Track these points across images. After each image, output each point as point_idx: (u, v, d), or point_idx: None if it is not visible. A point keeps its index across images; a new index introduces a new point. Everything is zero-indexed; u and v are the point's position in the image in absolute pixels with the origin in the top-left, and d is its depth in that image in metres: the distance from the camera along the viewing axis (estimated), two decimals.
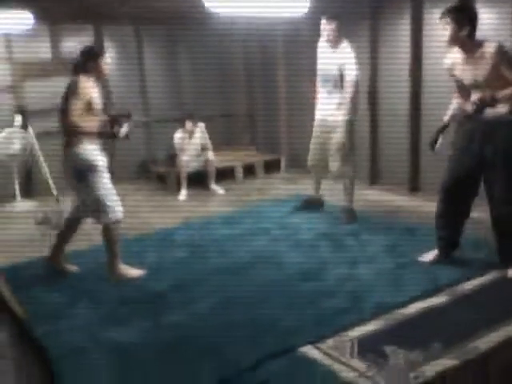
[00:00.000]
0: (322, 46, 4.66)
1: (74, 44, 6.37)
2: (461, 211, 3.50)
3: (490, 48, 3.13)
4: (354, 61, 4.46)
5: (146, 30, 6.90)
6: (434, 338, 2.62)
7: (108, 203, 3.48)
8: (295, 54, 6.65)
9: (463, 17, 3.17)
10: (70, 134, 3.45)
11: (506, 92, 3.08)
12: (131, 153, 6.79)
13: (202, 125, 6.25)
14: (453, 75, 3.42)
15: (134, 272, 3.65)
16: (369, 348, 2.57)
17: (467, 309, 3.00)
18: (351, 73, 4.43)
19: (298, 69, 6.59)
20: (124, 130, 3.62)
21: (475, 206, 3.51)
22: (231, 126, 7.74)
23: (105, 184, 3.51)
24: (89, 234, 4.07)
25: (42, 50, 6.29)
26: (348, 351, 2.55)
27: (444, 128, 3.52)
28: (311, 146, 4.88)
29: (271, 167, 6.99)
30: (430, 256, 3.65)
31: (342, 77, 4.46)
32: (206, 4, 5.16)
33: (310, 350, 2.59)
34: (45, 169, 5.89)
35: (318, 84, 4.72)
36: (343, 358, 2.50)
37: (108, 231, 3.56)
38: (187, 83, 7.23)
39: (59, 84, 6.07)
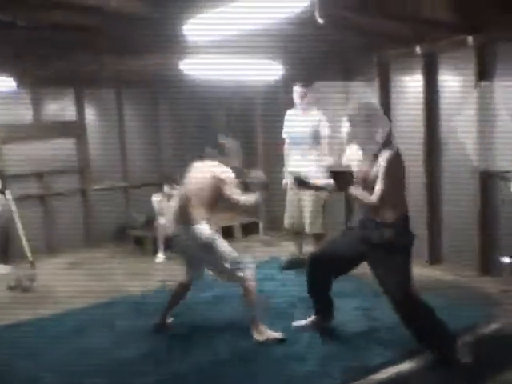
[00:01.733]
0: (291, 113, 4.93)
1: (55, 107, 6.55)
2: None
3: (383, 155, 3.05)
4: (326, 122, 4.73)
5: (127, 92, 7.04)
6: None
7: (239, 261, 3.52)
8: (273, 117, 6.84)
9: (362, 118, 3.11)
10: (190, 212, 3.51)
11: (363, 195, 3.06)
12: (111, 217, 6.83)
13: (179, 187, 6.29)
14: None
15: (276, 334, 3.53)
16: None
17: (437, 372, 2.95)
18: (325, 130, 4.72)
19: (276, 131, 6.77)
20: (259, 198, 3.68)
21: None
22: None
23: (227, 247, 3.55)
24: None
25: (23, 114, 6.34)
26: None
27: None
28: (287, 208, 4.95)
29: (249, 230, 7.00)
30: (303, 322, 3.66)
31: (315, 138, 4.70)
32: (182, 67, 5.37)
33: None
34: (22, 233, 5.84)
35: (289, 147, 4.92)
36: None
37: (247, 290, 3.52)
38: (167, 146, 7.34)
39: (39, 147, 6.28)
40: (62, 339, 3.67)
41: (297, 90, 4.82)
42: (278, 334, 3.51)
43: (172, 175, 6.51)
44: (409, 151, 5.39)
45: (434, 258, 5.35)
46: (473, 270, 4.95)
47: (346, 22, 4.19)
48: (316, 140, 4.74)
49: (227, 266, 3.52)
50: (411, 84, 5.42)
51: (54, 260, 6.16)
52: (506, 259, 4.52)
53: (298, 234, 5.05)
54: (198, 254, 3.63)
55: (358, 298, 4.21)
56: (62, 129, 6.61)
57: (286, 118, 5.03)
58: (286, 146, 5.07)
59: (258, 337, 3.47)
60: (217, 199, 3.58)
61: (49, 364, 3.28)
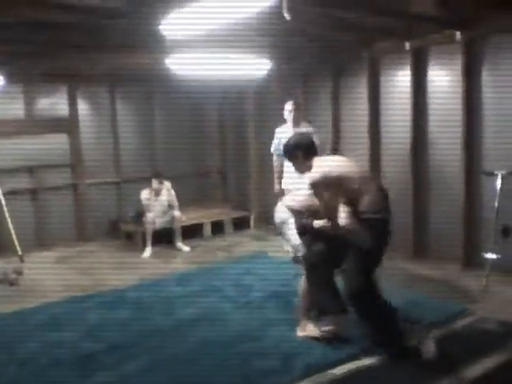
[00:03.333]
0: (282, 130, 5.16)
1: (47, 103, 6.59)
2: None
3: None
4: (315, 132, 4.92)
5: (119, 89, 7.06)
6: None
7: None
8: (264, 111, 6.86)
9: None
10: None
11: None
12: (102, 213, 6.88)
13: (167, 183, 6.33)
14: None
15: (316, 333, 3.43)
16: None
17: (402, 366, 2.95)
18: (317, 139, 4.77)
19: (267, 126, 6.79)
20: None
21: None
22: (203, 184, 7.82)
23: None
24: None
25: (15, 109, 6.35)
26: None
27: None
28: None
29: (240, 224, 7.01)
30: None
31: None
32: (170, 67, 5.39)
33: None
34: (11, 227, 5.90)
35: (279, 161, 5.20)
36: None
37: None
38: (160, 141, 7.36)
39: (30, 142, 6.33)
40: (36, 332, 3.70)
41: (288, 106, 5.09)
42: (317, 333, 3.38)
43: (161, 171, 6.54)
44: (396, 146, 5.48)
45: (419, 253, 5.34)
46: (456, 264, 4.94)
47: (314, 17, 4.17)
48: None
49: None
50: (400, 79, 5.39)
51: (43, 254, 6.22)
52: (489, 255, 4.49)
53: None
54: None
55: None
56: (54, 124, 6.66)
57: (276, 135, 5.26)
58: (275, 158, 5.33)
59: (299, 332, 3.43)
60: None
61: (19, 356, 3.31)
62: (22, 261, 5.80)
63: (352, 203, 3.10)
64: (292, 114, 5.06)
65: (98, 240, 6.74)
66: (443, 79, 5.08)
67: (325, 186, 3.10)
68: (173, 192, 6.32)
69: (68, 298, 4.43)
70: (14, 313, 4.08)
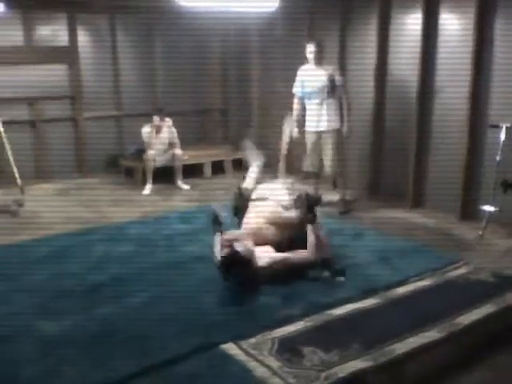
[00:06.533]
0: (304, 68, 5.20)
1: (47, 32, 6.41)
2: None
3: None
4: (338, 71, 5.18)
5: (121, 19, 6.88)
6: (355, 340, 2.67)
7: None
8: (270, 49, 6.72)
9: None
10: None
11: None
12: (102, 147, 6.84)
13: (169, 120, 6.27)
14: None
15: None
16: (288, 347, 2.61)
17: (394, 312, 3.04)
18: (340, 79, 5.12)
19: (271, 63, 6.70)
20: None
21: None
22: (204, 122, 7.76)
23: None
24: None
25: (14, 36, 6.19)
26: (267, 350, 2.59)
27: None
28: (308, 157, 5.34)
29: (241, 165, 7.00)
30: None
31: (332, 88, 5.05)
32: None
33: (230, 347, 2.63)
34: (11, 158, 5.87)
35: (304, 101, 5.25)
36: (260, 356, 2.54)
37: None
38: (161, 77, 7.23)
39: (30, 73, 6.20)
40: (42, 263, 3.77)
41: (311, 46, 5.08)
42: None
43: (163, 107, 6.47)
44: (402, 92, 5.43)
45: (417, 202, 5.40)
46: (453, 216, 5.02)
47: None
48: (332, 90, 5.07)
49: None
50: (411, 22, 5.27)
51: (43, 186, 6.24)
52: (487, 207, 4.56)
53: (316, 175, 5.39)
54: None
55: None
56: (53, 54, 6.51)
57: (299, 73, 5.25)
58: (296, 100, 5.32)
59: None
60: None
61: (27, 286, 3.39)
62: (22, 192, 5.82)
63: None
64: (313, 55, 5.05)
65: (98, 174, 6.75)
66: (455, 27, 4.97)
67: None
68: (174, 129, 6.28)
69: (71, 231, 4.49)
70: (17, 245, 4.13)
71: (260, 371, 2.42)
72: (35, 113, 6.48)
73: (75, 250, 4.00)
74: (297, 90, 5.27)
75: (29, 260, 3.82)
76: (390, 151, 5.71)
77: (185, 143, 6.44)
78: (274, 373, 2.40)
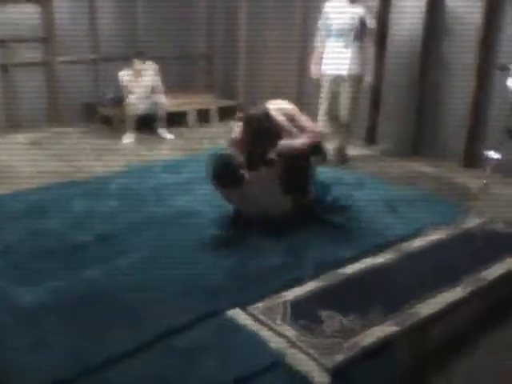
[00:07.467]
0: (334, 4, 4.66)
1: None
2: None
3: None
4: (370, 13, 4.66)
5: None
6: (374, 301, 2.41)
7: None
8: None
9: None
10: None
11: None
12: (77, 94, 6.32)
13: (152, 65, 5.79)
14: None
15: None
16: (302, 312, 2.33)
17: (412, 268, 2.79)
18: (372, 22, 4.66)
19: (261, 11, 6.20)
20: None
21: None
22: (188, 69, 7.23)
23: None
24: None
25: None
26: (280, 316, 2.31)
27: None
28: (324, 101, 4.84)
29: (227, 114, 6.60)
30: None
31: (361, 28, 4.59)
32: None
33: (238, 314, 2.34)
34: None
35: (328, 39, 4.70)
36: (273, 323, 2.25)
37: None
38: (142, 20, 6.66)
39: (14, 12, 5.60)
40: (17, 220, 3.39)
41: None
42: None
43: (145, 50, 5.97)
44: (407, 32, 5.02)
45: (419, 149, 5.13)
46: (456, 163, 4.80)
47: None
48: (362, 31, 4.62)
49: None
50: None
51: (14, 136, 5.76)
52: (491, 153, 4.32)
53: (333, 121, 4.90)
54: None
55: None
56: None
57: (326, 8, 4.70)
58: (320, 38, 4.77)
59: None
60: None
61: (1, 244, 3.03)
62: None
63: None
64: None
65: (73, 123, 6.26)
66: None
67: None
68: (158, 75, 5.81)
69: (48, 185, 4.07)
70: None
71: (275, 341, 2.13)
72: (4, 56, 5.90)
73: (53, 206, 3.60)
74: (322, 24, 4.73)
75: (2, 216, 3.44)
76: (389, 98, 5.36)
77: (167, 90, 5.98)
78: (293, 344, 2.12)
